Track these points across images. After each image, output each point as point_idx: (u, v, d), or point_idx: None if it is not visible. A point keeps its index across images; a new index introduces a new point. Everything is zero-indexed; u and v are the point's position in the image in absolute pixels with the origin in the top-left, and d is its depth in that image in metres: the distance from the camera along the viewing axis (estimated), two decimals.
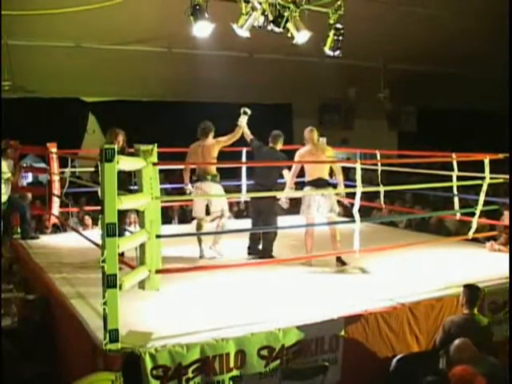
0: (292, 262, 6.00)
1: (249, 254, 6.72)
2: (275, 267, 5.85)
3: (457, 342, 4.24)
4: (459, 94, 15.42)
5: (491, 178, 6.60)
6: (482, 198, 6.53)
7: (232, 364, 4.04)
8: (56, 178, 8.25)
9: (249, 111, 6.80)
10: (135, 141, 4.62)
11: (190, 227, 7.47)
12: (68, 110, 13.19)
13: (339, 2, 6.97)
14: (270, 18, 6.57)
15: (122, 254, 5.08)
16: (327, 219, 6.27)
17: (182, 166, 7.74)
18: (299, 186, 7.07)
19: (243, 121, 6.80)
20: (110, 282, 3.76)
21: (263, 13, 6.54)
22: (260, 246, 6.70)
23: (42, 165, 10.70)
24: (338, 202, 6.55)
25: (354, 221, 5.54)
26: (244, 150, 8.37)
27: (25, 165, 11.62)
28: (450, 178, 7.14)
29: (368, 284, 5.44)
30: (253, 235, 6.74)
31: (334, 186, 6.65)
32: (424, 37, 12.34)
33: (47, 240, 7.95)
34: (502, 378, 4.00)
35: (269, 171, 6.58)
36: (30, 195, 8.16)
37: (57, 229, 8.87)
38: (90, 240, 5.50)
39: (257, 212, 6.70)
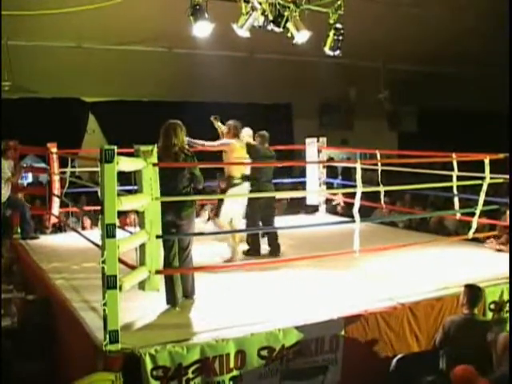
0: (292, 262, 5.99)
1: (249, 254, 6.70)
2: (275, 267, 5.84)
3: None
4: (459, 94, 15.40)
5: (491, 178, 6.60)
6: (482, 197, 6.52)
7: (232, 364, 4.04)
8: (56, 178, 8.25)
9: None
10: (135, 141, 4.61)
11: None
12: (68, 110, 13.16)
13: (339, 2, 6.98)
14: (270, 17, 6.59)
15: None
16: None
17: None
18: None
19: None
20: (109, 283, 3.76)
21: (263, 13, 6.55)
22: (266, 246, 6.71)
23: (43, 165, 10.70)
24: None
25: (353, 221, 5.54)
26: None
27: (25, 165, 11.61)
28: (450, 178, 7.13)
29: (368, 284, 5.44)
30: (252, 235, 6.74)
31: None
32: (424, 37, 12.34)
33: (47, 240, 7.95)
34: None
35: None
36: (22, 198, 8.16)
37: (57, 229, 8.88)
38: (90, 240, 5.50)
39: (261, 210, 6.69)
